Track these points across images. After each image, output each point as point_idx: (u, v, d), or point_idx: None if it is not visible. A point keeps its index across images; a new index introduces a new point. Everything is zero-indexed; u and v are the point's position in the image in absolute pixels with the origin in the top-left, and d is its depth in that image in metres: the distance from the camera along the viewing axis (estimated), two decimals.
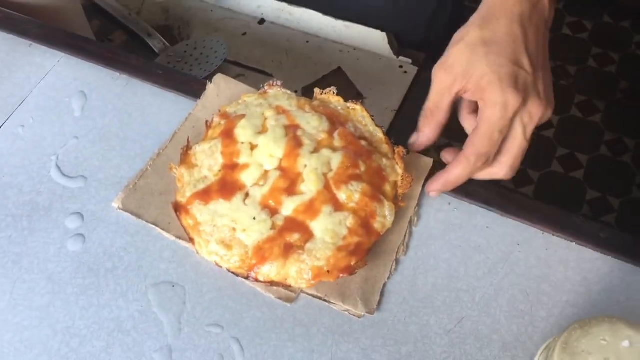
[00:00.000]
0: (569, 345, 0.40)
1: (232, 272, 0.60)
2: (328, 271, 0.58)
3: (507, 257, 0.62)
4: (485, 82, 0.57)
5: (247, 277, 0.59)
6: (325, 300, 0.60)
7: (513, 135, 0.59)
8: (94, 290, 0.61)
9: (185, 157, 0.66)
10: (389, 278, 0.61)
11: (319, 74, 0.96)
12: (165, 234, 0.64)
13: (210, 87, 0.72)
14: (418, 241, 0.63)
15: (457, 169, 0.60)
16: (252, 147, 0.64)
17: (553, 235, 0.63)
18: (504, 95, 0.56)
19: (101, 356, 0.58)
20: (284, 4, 1.00)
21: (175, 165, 0.65)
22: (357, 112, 0.67)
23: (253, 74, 0.99)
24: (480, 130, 0.58)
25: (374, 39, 0.96)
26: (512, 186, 1.70)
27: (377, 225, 0.60)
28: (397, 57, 0.97)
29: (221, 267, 0.60)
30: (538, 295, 0.60)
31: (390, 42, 0.96)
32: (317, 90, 0.69)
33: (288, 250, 0.58)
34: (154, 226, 0.64)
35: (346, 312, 0.59)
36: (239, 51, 1.01)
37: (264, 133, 0.64)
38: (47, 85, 0.75)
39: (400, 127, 0.93)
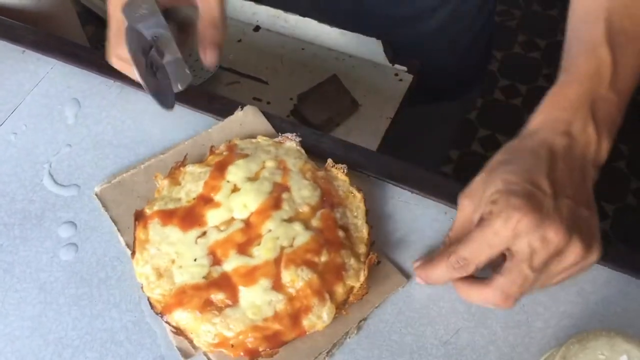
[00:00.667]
0: (567, 359, 0.40)
1: (150, 303, 0.57)
2: (232, 345, 0.54)
3: None
4: (495, 197, 0.50)
5: (159, 314, 0.57)
6: None
7: (517, 257, 0.50)
8: (87, 301, 0.60)
9: (174, 171, 0.64)
10: None
11: (314, 81, 0.96)
12: (119, 235, 0.63)
13: (239, 114, 0.70)
14: (414, 251, 0.63)
15: (438, 266, 0.54)
16: (235, 189, 0.61)
17: None
18: (508, 209, 0.49)
19: None
20: (280, 11, 1.00)
21: (162, 176, 0.64)
22: (356, 200, 0.63)
23: (248, 81, 0.99)
24: (471, 234, 0.51)
25: (369, 46, 0.96)
26: None
27: (306, 322, 0.55)
28: (393, 65, 0.97)
29: (143, 292, 0.58)
30: (534, 306, 0.59)
31: (385, 50, 0.95)
32: (329, 162, 0.65)
33: (206, 306, 0.55)
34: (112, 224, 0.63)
35: None
36: (233, 58, 1.00)
37: (253, 180, 0.61)
38: (40, 92, 0.74)
39: (395, 135, 0.93)
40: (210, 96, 0.75)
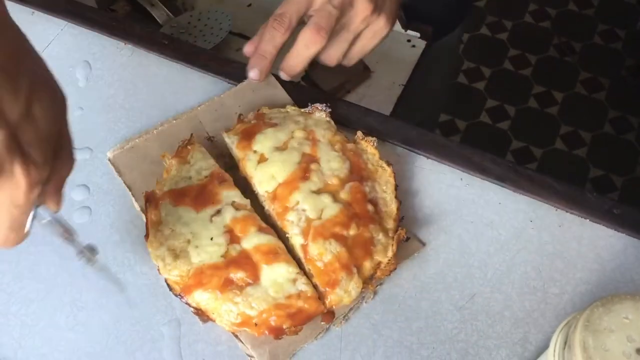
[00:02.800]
0: (591, 322, 0.40)
1: (168, 285, 0.56)
2: (256, 324, 0.53)
3: (520, 233, 0.61)
4: None
5: (178, 295, 0.56)
6: (235, 336, 0.56)
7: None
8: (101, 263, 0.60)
9: (181, 150, 0.62)
10: (309, 343, 0.56)
11: None
12: (133, 201, 0.62)
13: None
14: (429, 217, 0.62)
15: (263, 36, 0.66)
16: (262, 159, 0.60)
17: (567, 212, 0.62)
18: None
19: (109, 329, 0.57)
20: None
21: (169, 155, 0.63)
22: (385, 174, 0.61)
23: None
24: None
25: None
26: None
27: (333, 296, 0.55)
28: (405, 31, 0.95)
29: (160, 274, 0.57)
30: (551, 272, 0.59)
31: (398, 16, 0.94)
32: (359, 134, 0.64)
33: (227, 285, 0.54)
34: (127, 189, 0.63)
35: (249, 357, 0.56)
36: (244, 23, 0.98)
37: (281, 150, 0.60)
38: (50, 54, 0.73)
39: (408, 102, 0.92)
40: (221, 59, 0.74)
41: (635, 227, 0.60)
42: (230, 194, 0.59)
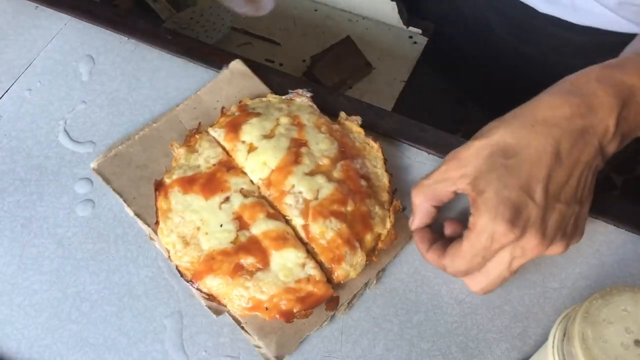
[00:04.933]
0: (590, 314, 0.40)
1: (179, 271, 0.57)
2: (266, 308, 0.54)
3: None
4: (483, 200, 0.50)
5: (189, 281, 0.56)
6: (241, 327, 0.57)
7: (498, 261, 0.52)
8: (104, 256, 0.61)
9: (189, 139, 0.63)
10: (314, 331, 0.57)
11: (327, 43, 0.95)
12: (126, 207, 0.62)
13: (225, 72, 0.70)
14: None
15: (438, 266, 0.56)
16: (251, 148, 0.61)
17: None
18: (494, 226, 0.49)
19: (112, 321, 0.58)
20: None
21: (177, 145, 0.63)
22: (373, 150, 0.63)
23: (260, 42, 0.98)
24: (462, 249, 0.52)
25: (383, 8, 0.95)
26: None
27: (340, 272, 0.56)
28: (407, 27, 0.96)
29: (171, 261, 0.58)
30: (550, 267, 0.59)
31: (400, 12, 0.94)
32: (342, 115, 0.65)
33: (237, 270, 0.55)
34: (117, 196, 0.63)
35: (255, 348, 0.56)
36: (245, 19, 0.99)
37: (268, 138, 0.61)
38: (53, 48, 0.74)
39: (409, 98, 0.92)
40: (224, 54, 0.74)
41: (634, 222, 0.61)
42: (239, 180, 0.60)
